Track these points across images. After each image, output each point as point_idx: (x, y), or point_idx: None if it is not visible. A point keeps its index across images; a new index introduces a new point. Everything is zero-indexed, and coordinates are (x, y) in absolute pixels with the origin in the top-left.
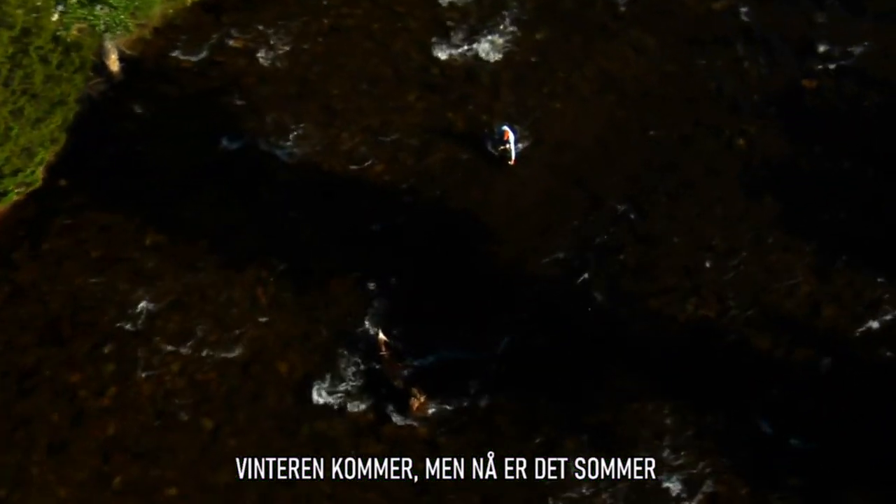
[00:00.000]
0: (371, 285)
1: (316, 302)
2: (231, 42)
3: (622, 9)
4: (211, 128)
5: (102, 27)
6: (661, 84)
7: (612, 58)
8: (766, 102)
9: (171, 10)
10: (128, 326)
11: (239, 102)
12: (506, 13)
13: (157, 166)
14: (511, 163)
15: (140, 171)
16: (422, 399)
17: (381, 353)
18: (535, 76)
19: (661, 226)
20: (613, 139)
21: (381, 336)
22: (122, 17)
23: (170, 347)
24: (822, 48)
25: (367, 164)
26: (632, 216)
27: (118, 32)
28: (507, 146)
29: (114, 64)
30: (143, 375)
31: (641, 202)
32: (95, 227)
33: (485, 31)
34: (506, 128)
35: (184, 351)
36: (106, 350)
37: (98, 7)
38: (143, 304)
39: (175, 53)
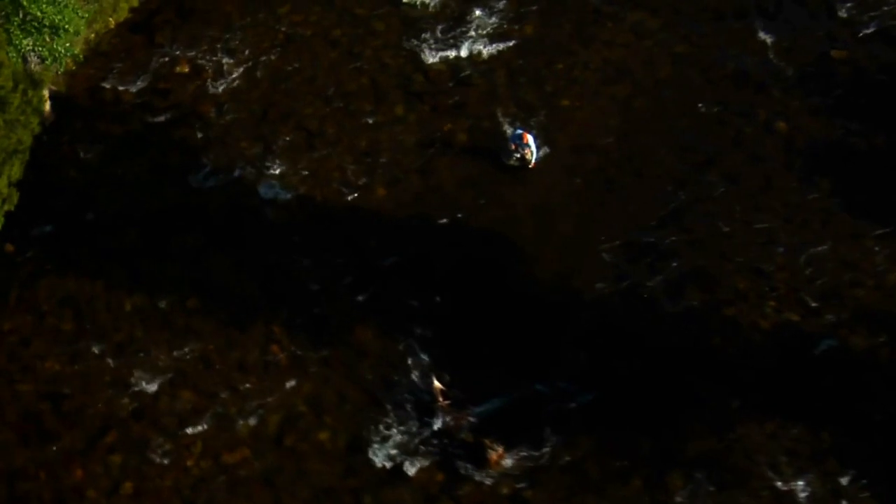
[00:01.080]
0: (402, 326)
1: (343, 353)
2: (173, 65)
3: None
4: (173, 167)
5: (50, 58)
6: (675, 68)
7: (613, 44)
8: (796, 79)
9: (93, 35)
10: (127, 409)
11: (200, 134)
12: (483, 6)
13: (118, 218)
14: (531, 166)
15: (98, 225)
16: (499, 450)
17: (440, 403)
18: (533, 72)
19: (714, 224)
20: (636, 134)
21: (436, 384)
22: (68, 44)
23: (185, 428)
24: (844, 13)
25: (365, 189)
26: (679, 216)
27: (64, 64)
28: (528, 150)
29: (45, 102)
30: (161, 463)
31: (685, 200)
32: (59, 297)
33: (464, 28)
34: (521, 131)
35: (202, 429)
36: (108, 440)
37: (44, 34)
38: (139, 382)
39: (110, 84)
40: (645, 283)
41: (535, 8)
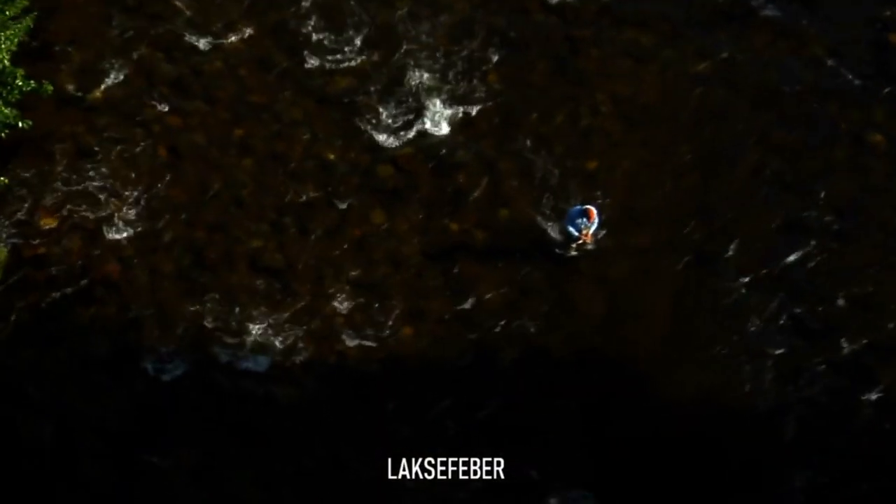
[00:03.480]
0: None
1: None
2: (34, 219)
3: (568, 5)
4: (107, 358)
5: None
6: (703, 92)
7: (613, 76)
8: (861, 77)
9: None
10: None
11: (121, 305)
12: (416, 60)
13: (64, 439)
14: (588, 241)
15: (39, 453)
16: None
17: None
18: (530, 132)
19: (862, 281)
20: (698, 184)
21: None
22: None
23: None
24: None
25: (385, 333)
26: (812, 279)
27: None
28: (594, 227)
29: None
30: None
31: (807, 256)
32: None
33: (411, 94)
34: (583, 206)
35: None
36: None
37: None
38: None
39: None
40: (818, 381)
41: (488, 54)
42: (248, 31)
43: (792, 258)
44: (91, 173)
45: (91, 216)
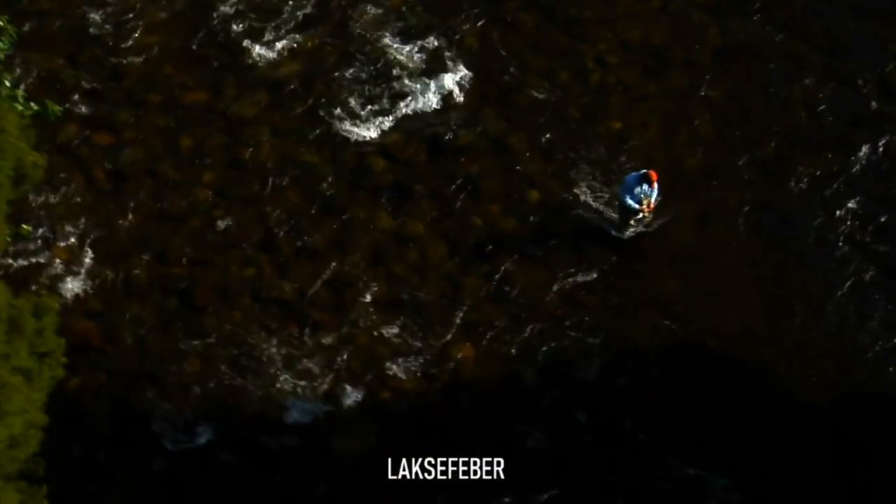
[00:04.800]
0: None
1: None
2: None
3: None
4: (119, 437)
5: None
6: (716, 24)
7: (614, 20)
8: None
9: None
10: None
11: (112, 374)
12: (382, 31)
13: None
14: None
15: None
16: None
17: None
18: (534, 97)
19: None
20: (739, 133)
21: None
22: None
23: None
24: None
25: (438, 357)
26: None
27: None
28: (655, 194)
29: None
30: None
31: (884, 199)
32: None
33: (380, 70)
34: (638, 172)
35: None
36: None
37: None
38: None
39: None
40: None
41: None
42: (160, 17)
43: (876, 200)
44: (20, 215)
45: (36, 267)
